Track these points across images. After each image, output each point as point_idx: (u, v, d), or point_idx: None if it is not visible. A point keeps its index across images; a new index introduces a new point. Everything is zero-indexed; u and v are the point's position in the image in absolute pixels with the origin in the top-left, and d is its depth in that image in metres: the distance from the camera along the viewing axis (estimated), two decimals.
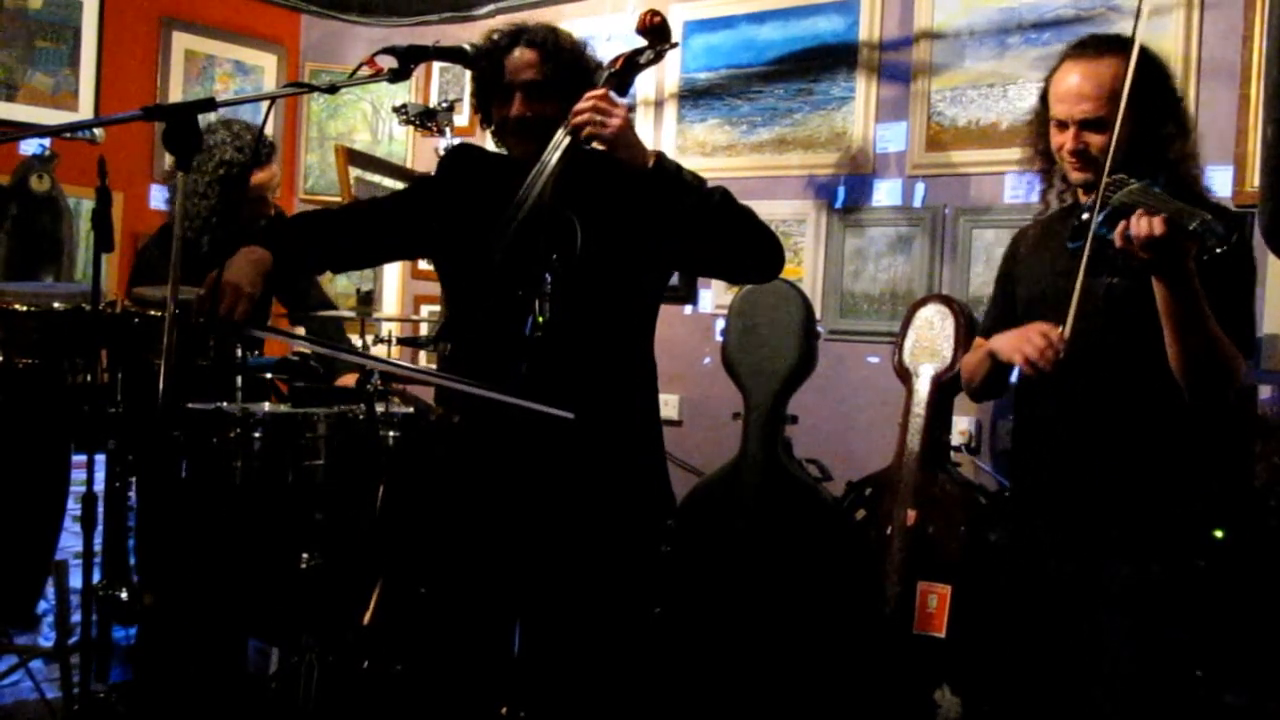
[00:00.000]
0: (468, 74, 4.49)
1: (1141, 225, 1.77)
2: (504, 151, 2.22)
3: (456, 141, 3.48)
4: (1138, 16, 1.99)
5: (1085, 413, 2.07)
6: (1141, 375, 2.00)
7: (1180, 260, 1.80)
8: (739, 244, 2.03)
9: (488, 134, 2.26)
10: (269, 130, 4.59)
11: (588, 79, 2.08)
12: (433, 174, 2.33)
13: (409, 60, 2.00)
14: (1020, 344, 2.01)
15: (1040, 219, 2.32)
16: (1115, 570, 2.02)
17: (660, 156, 1.93)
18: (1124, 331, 2.02)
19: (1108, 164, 1.95)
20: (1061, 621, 2.09)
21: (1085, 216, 1.94)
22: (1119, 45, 2.06)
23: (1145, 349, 1.97)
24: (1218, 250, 1.73)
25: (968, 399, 3.24)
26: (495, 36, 2.10)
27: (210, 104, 1.90)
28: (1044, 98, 2.15)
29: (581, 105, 1.92)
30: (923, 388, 3.07)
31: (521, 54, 2.05)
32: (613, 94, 2.13)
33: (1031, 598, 2.16)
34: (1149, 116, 2.01)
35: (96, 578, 2.72)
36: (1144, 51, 2.04)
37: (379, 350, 3.55)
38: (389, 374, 2.33)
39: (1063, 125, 2.05)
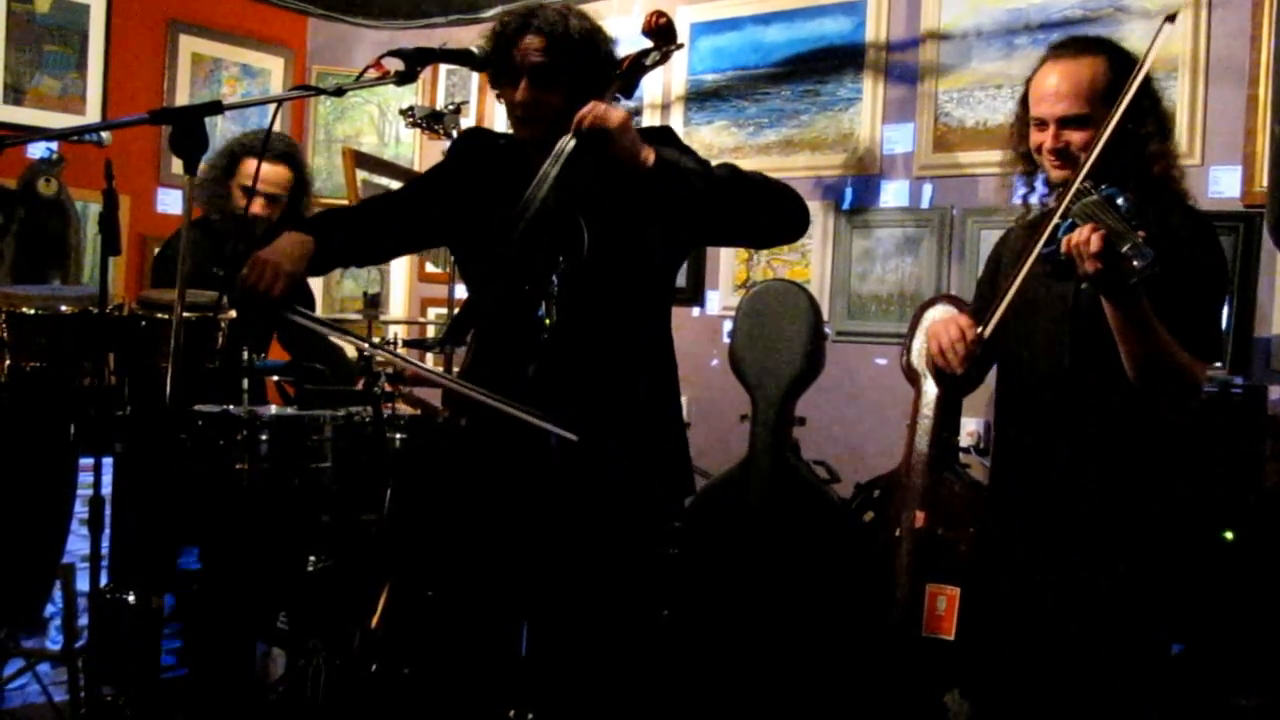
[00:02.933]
0: (475, 76, 4.51)
1: (1080, 234, 1.80)
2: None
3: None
4: (1158, 33, 2.01)
5: (1059, 418, 2.08)
6: (1112, 380, 2.00)
7: (1120, 278, 1.80)
8: (757, 213, 2.06)
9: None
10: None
11: (596, 67, 2.07)
12: (446, 160, 2.32)
13: (416, 63, 2.00)
14: (939, 330, 2.07)
15: (1023, 223, 2.31)
16: (1087, 574, 2.05)
17: (660, 151, 1.93)
18: (1094, 337, 2.02)
19: (1084, 169, 1.95)
20: (1042, 626, 2.11)
21: (1055, 221, 1.95)
22: (1098, 46, 2.10)
23: (1116, 354, 1.98)
24: (1132, 280, 1.77)
25: (978, 400, 3.25)
26: (507, 20, 2.09)
27: (217, 107, 1.90)
28: (1024, 100, 2.17)
29: (584, 110, 1.92)
30: (931, 389, 3.05)
31: (530, 39, 2.04)
32: (619, 95, 2.13)
33: (1014, 602, 2.18)
34: (1127, 117, 2.02)
35: (104, 581, 2.72)
36: (1120, 53, 2.08)
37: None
38: (394, 364, 2.33)
39: (1042, 124, 2.07)
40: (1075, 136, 2.03)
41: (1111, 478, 2.04)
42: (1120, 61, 2.05)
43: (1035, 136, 2.10)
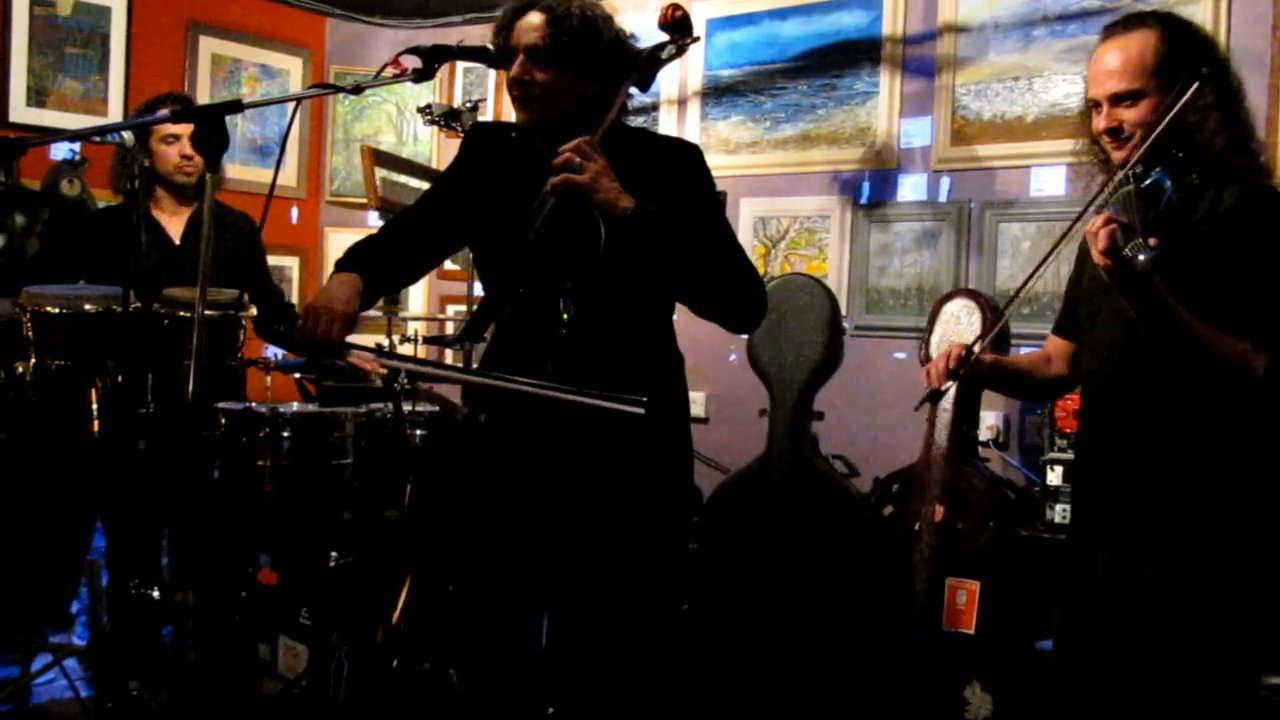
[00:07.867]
0: (491, 73, 4.51)
1: (1091, 226, 1.73)
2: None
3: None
4: None
5: (1115, 410, 1.98)
6: (1165, 371, 1.89)
7: (1128, 276, 1.72)
8: (711, 298, 2.06)
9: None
10: (294, 131, 4.64)
11: (597, 51, 2.04)
12: (457, 159, 2.32)
13: (433, 60, 2.01)
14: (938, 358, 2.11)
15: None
16: (1133, 593, 1.92)
17: (640, 206, 1.91)
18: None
19: (1131, 157, 1.87)
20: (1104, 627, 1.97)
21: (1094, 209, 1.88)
22: (1151, 19, 1.97)
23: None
24: (1134, 277, 1.69)
25: (995, 394, 3.24)
26: (514, 3, 2.09)
27: (237, 106, 1.91)
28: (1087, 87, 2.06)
29: (563, 152, 1.90)
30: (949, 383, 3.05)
31: (530, 17, 2.03)
32: (635, 88, 2.13)
33: (1077, 603, 2.04)
34: (1178, 91, 1.88)
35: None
36: (1175, 22, 1.96)
37: (405, 348, 3.57)
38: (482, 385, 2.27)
39: (1097, 106, 1.97)
40: (1128, 114, 1.91)
41: (1171, 474, 1.90)
42: (1175, 30, 1.93)
43: (1094, 120, 1.99)
